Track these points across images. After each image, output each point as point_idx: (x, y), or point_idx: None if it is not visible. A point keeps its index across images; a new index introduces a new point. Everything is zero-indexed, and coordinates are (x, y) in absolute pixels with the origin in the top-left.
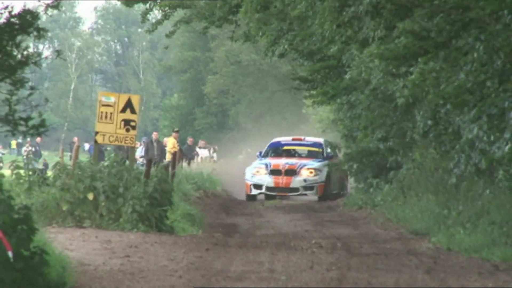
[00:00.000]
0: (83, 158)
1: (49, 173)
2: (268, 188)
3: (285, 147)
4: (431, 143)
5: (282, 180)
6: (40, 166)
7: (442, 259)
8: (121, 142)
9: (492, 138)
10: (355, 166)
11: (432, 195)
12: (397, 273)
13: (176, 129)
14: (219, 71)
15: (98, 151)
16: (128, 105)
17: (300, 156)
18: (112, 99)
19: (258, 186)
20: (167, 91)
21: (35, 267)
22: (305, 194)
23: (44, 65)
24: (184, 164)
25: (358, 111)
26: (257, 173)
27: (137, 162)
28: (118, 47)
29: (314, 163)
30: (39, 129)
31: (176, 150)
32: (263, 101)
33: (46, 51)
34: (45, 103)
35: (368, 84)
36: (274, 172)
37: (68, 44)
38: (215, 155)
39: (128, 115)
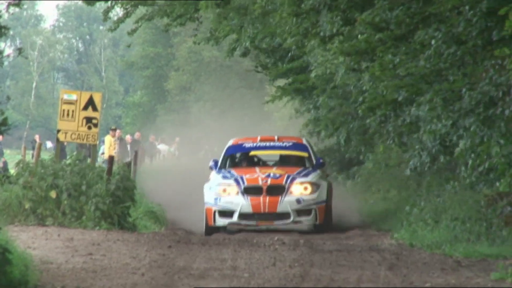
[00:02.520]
0: (46, 156)
1: (12, 171)
2: (243, 216)
3: (253, 152)
4: (391, 137)
5: (264, 201)
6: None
7: (405, 255)
8: (83, 140)
9: (445, 121)
10: None
11: (395, 191)
12: (359, 269)
13: (113, 127)
14: (181, 68)
15: (60, 149)
16: (90, 103)
17: (272, 164)
18: (74, 97)
19: (226, 213)
20: (129, 88)
21: None
22: (299, 222)
23: (5, 63)
24: (147, 160)
25: (320, 111)
26: (224, 193)
27: (99, 159)
28: (80, 45)
29: (309, 175)
30: (1, 127)
31: (113, 150)
32: (225, 98)
33: (8, 49)
34: (7, 101)
35: (330, 82)
36: (251, 190)
37: (30, 42)
38: (176, 151)
39: (90, 112)
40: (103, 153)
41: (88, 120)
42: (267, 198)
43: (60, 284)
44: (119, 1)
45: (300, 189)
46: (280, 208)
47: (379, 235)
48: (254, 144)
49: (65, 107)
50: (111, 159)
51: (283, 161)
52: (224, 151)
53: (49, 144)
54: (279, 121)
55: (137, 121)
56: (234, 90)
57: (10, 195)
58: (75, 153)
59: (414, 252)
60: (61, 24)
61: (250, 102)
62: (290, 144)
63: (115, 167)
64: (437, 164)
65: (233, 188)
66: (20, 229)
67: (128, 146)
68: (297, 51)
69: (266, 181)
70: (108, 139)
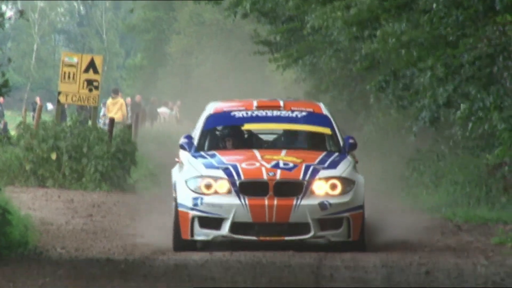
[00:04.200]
0: (46, 118)
1: (13, 133)
2: (237, 227)
3: (247, 126)
4: (391, 102)
5: (270, 206)
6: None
7: (405, 219)
8: (84, 102)
9: (447, 86)
10: None
11: (395, 155)
12: None
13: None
14: (183, 31)
15: (61, 111)
16: (91, 65)
17: (276, 144)
18: (75, 60)
19: (211, 222)
20: (131, 51)
21: None
22: (322, 237)
23: (7, 25)
24: (147, 123)
25: (321, 73)
26: (208, 191)
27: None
28: (81, 7)
29: (337, 165)
30: (2, 89)
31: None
32: (227, 62)
33: (9, 12)
34: (8, 63)
35: (332, 46)
36: (251, 187)
37: (31, 4)
38: (177, 114)
39: (91, 75)
40: (104, 115)
41: (89, 82)
42: (275, 201)
43: (60, 245)
44: None
45: (325, 188)
46: (294, 217)
47: (378, 198)
48: (249, 113)
49: (66, 69)
50: (111, 121)
51: (291, 140)
52: (203, 122)
53: (49, 106)
54: (281, 83)
55: (138, 84)
56: (235, 54)
57: (11, 157)
58: (74, 114)
59: (416, 215)
60: None
61: (251, 67)
62: (304, 114)
63: (116, 130)
64: (438, 126)
65: (223, 183)
66: (21, 190)
67: (129, 109)
68: (296, 12)
69: (274, 174)
70: (111, 101)
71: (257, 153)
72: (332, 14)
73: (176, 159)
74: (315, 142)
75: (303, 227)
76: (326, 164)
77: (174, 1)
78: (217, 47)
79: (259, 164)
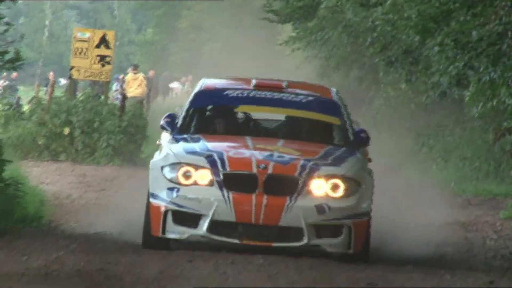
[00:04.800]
0: (59, 93)
1: (25, 107)
2: (217, 226)
3: (241, 108)
4: (400, 76)
5: (258, 204)
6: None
7: (414, 193)
8: (96, 77)
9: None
10: None
11: (404, 129)
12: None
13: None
14: (193, 7)
15: (73, 86)
16: (103, 41)
17: (273, 132)
18: (87, 35)
19: (187, 218)
20: (142, 27)
21: (9, 198)
22: (316, 246)
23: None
24: (159, 98)
25: (332, 49)
26: (187, 181)
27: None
28: None
29: (342, 162)
30: (15, 62)
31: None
32: (237, 37)
33: None
34: (20, 38)
35: (341, 21)
36: (237, 180)
37: None
38: (189, 89)
39: (103, 50)
40: (116, 90)
41: (101, 58)
42: (265, 199)
43: (73, 219)
44: None
45: (325, 188)
46: (286, 220)
47: (387, 173)
48: (245, 93)
49: (78, 45)
50: (123, 96)
51: (292, 129)
52: (190, 99)
53: (62, 81)
54: (292, 59)
55: (149, 59)
56: (245, 29)
57: (24, 132)
58: (87, 89)
59: (424, 190)
60: None
61: (262, 41)
62: (310, 99)
63: (127, 105)
64: (448, 100)
65: (204, 174)
66: (34, 164)
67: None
68: None
69: (266, 167)
70: (130, 76)
71: (249, 140)
72: None
73: (158, 142)
74: (320, 133)
75: (295, 233)
76: (329, 160)
77: None
78: (227, 22)
79: (249, 154)
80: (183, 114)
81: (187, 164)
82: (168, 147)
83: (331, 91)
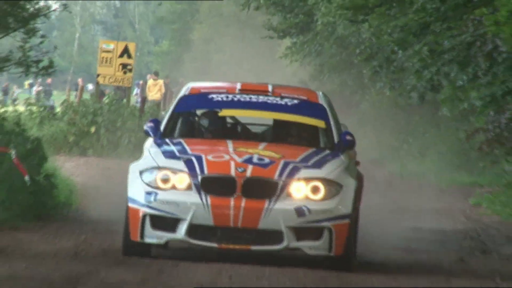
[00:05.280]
0: (86, 96)
1: (58, 109)
2: (195, 230)
3: (225, 112)
4: (384, 84)
5: (236, 208)
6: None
7: (396, 184)
8: (119, 83)
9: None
10: None
11: (387, 129)
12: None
13: (155, 71)
14: (204, 22)
15: (99, 91)
16: (125, 51)
17: (256, 136)
18: (112, 46)
19: (165, 223)
20: (159, 39)
21: (46, 189)
22: (296, 249)
23: (52, 17)
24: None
25: (325, 58)
26: (165, 185)
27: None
28: (116, 2)
29: (323, 164)
30: (48, 69)
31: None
32: (242, 49)
33: (54, 5)
34: (53, 49)
35: (332, 34)
36: (215, 184)
37: None
38: None
39: (125, 60)
40: (136, 94)
41: (124, 66)
42: (243, 202)
43: (98, 206)
44: None
45: (305, 190)
46: (265, 223)
47: (373, 166)
48: (229, 97)
49: (104, 55)
50: (143, 99)
51: (278, 132)
52: (175, 104)
53: (90, 87)
54: (290, 67)
55: (165, 67)
56: (249, 41)
57: (56, 130)
58: (111, 94)
59: (405, 181)
60: None
61: (263, 51)
62: (296, 102)
63: (146, 107)
64: (425, 102)
65: (182, 177)
66: (65, 159)
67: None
68: (303, 5)
69: (245, 170)
70: (151, 81)
71: (230, 144)
72: (334, 5)
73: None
74: (304, 136)
75: (274, 236)
76: (309, 163)
77: None
78: (233, 36)
79: (228, 157)
80: (166, 118)
81: (165, 168)
82: (148, 151)
83: (317, 94)
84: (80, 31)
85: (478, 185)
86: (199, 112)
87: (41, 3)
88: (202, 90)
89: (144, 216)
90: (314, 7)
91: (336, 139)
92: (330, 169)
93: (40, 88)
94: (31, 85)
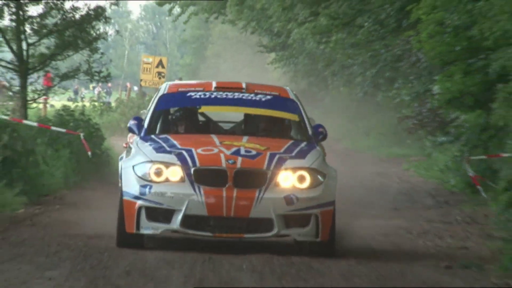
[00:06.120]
0: (133, 95)
1: (113, 104)
2: (190, 220)
3: (204, 108)
4: (340, 84)
5: (229, 198)
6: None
7: (350, 155)
8: (155, 85)
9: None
10: None
11: (343, 116)
12: None
13: (180, 77)
14: (215, 42)
15: (142, 94)
16: (160, 63)
17: (235, 131)
18: (150, 60)
19: (160, 214)
20: (183, 55)
21: (104, 161)
22: (286, 236)
23: (109, 39)
24: None
25: (299, 66)
26: (158, 178)
27: None
28: (154, 29)
29: (306, 155)
30: (106, 77)
31: None
32: (241, 61)
33: (110, 31)
34: (109, 62)
35: (304, 50)
36: (207, 176)
37: (123, 26)
38: None
39: (160, 69)
40: None
41: (159, 74)
42: (235, 193)
43: None
44: (177, 1)
45: (292, 180)
46: (256, 212)
47: (333, 143)
48: (207, 95)
49: (145, 66)
50: None
51: (253, 127)
52: (154, 102)
53: (135, 88)
54: (275, 74)
55: (187, 75)
56: (246, 55)
57: (112, 119)
58: (151, 93)
59: (356, 153)
60: (142, 15)
61: (256, 62)
62: (269, 97)
63: None
64: (368, 96)
65: (175, 170)
66: (117, 139)
67: None
68: (282, 30)
69: (235, 162)
70: None
71: (215, 138)
72: (306, 30)
73: (124, 144)
74: (280, 129)
75: (265, 224)
76: (293, 153)
77: (208, 23)
78: (235, 52)
79: (217, 150)
80: (148, 116)
81: (158, 162)
82: (137, 147)
83: (287, 90)
84: (128, 49)
85: (407, 156)
86: (172, 110)
87: (101, 30)
88: (180, 89)
89: (140, 208)
90: (291, 31)
91: (310, 131)
92: (313, 159)
93: (100, 89)
94: (94, 87)
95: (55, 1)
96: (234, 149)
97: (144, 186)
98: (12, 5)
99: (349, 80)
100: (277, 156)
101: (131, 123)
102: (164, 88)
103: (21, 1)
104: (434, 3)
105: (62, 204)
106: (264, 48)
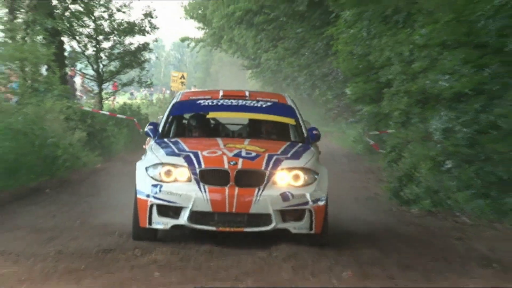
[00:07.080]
0: (167, 96)
1: (154, 101)
2: (196, 216)
3: (211, 114)
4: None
5: (231, 196)
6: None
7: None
8: (180, 90)
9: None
10: None
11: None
12: None
13: (194, 84)
14: (216, 63)
15: (172, 95)
16: (182, 76)
17: (240, 134)
18: (177, 74)
19: (169, 211)
20: (197, 71)
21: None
22: (283, 229)
23: (151, 62)
24: None
25: (266, 79)
26: (168, 178)
27: None
28: (179, 55)
29: (301, 155)
30: (150, 85)
31: None
32: (232, 75)
33: (152, 57)
34: (152, 76)
35: (269, 68)
36: (211, 176)
37: (160, 54)
38: None
39: (182, 80)
40: None
41: (182, 83)
42: (236, 191)
43: None
44: (193, 39)
45: (288, 178)
46: (255, 208)
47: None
48: (214, 102)
49: (173, 78)
50: None
51: (255, 130)
52: (169, 109)
53: (167, 92)
54: (254, 86)
55: (199, 84)
56: (235, 71)
57: (153, 111)
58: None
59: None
60: (172, 47)
61: (241, 76)
62: (269, 104)
63: None
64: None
65: (183, 171)
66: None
67: None
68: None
69: (236, 163)
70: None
71: (220, 141)
72: (269, 56)
73: (144, 146)
74: (279, 132)
75: (264, 218)
76: (289, 155)
77: (212, 48)
78: (228, 69)
79: (221, 153)
80: (163, 121)
81: (168, 164)
82: (151, 150)
83: (285, 97)
84: (163, 68)
85: (331, 132)
86: (187, 115)
87: (147, 56)
88: (191, 97)
89: (152, 205)
90: (261, 56)
91: (305, 133)
92: (307, 160)
93: (146, 92)
94: (142, 91)
95: (119, 39)
96: (236, 151)
97: (155, 186)
98: (93, 41)
99: (297, 87)
100: (274, 157)
101: (148, 128)
102: (178, 96)
103: (98, 39)
104: (346, 40)
105: (123, 161)
106: (245, 67)
